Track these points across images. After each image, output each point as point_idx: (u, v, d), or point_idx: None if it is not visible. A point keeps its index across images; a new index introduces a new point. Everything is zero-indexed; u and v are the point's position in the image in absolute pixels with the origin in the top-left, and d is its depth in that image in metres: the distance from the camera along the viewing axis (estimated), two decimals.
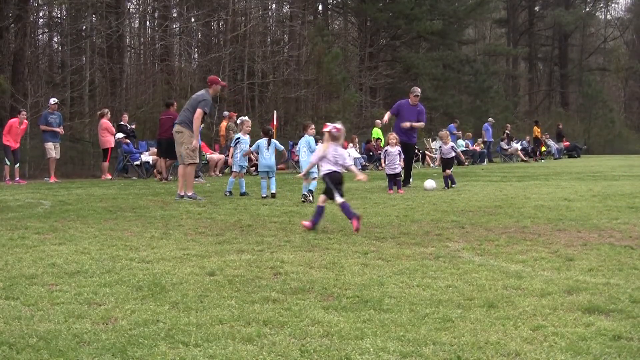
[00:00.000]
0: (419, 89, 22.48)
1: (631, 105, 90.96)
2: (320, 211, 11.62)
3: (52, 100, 26.66)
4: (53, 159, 26.20)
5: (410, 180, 21.88)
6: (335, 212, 13.81)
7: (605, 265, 8.12)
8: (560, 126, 56.33)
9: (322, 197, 11.83)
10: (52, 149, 26.05)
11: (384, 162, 19.49)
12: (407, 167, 21.56)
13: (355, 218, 11.18)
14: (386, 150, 19.47)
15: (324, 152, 11.89)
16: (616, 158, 51.22)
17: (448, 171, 20.58)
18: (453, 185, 20.46)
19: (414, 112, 21.83)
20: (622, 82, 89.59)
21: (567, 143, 55.94)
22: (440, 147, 21.13)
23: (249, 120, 20.18)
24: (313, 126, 18.15)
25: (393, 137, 19.62)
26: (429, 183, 19.77)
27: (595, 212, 13.49)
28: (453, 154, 21.27)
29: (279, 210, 14.34)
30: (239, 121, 22.60)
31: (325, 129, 12.13)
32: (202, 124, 17.45)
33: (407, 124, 21.06)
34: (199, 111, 16.51)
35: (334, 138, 12.01)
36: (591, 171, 30.40)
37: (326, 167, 11.85)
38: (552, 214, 13.35)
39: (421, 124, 22.26)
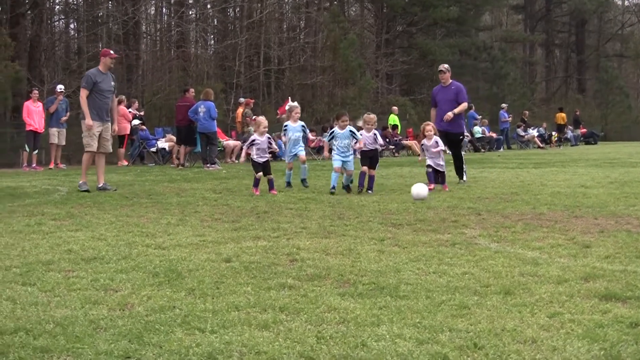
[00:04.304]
0: (446, 65, 18.69)
1: None
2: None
3: (59, 88, 26.61)
4: (54, 145, 26.17)
5: (465, 176, 17.82)
6: (351, 199, 13.81)
7: (622, 252, 8.08)
8: (578, 113, 56.22)
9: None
10: (56, 135, 26.00)
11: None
12: (457, 162, 17.78)
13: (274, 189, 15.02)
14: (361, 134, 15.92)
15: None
16: (633, 145, 50.99)
17: (372, 171, 15.61)
18: (369, 191, 15.29)
19: (449, 93, 17.96)
20: None
21: (584, 130, 55.78)
22: (361, 133, 15.72)
23: (298, 107, 18.18)
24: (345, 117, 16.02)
25: (371, 120, 16.03)
26: (420, 189, 13.67)
27: (612, 199, 13.43)
28: (377, 146, 16.05)
29: (295, 197, 14.32)
30: (287, 107, 20.22)
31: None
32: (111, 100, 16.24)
33: (449, 115, 18.09)
34: (81, 92, 16.02)
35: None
36: (608, 158, 30.30)
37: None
38: (568, 200, 13.30)
39: (462, 107, 18.04)
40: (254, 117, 23.63)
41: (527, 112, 52.25)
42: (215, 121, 25.30)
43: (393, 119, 39.04)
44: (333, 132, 15.81)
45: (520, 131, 47.17)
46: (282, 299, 6.08)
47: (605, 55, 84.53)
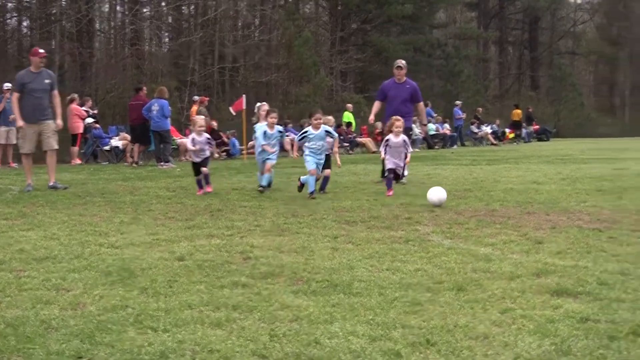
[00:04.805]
0: (403, 61, 18.37)
1: (600, 89, 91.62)
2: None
3: (6, 86, 26.24)
4: (2, 146, 25.77)
5: (405, 176, 15.84)
6: (306, 196, 13.80)
7: (574, 248, 8.16)
8: (530, 109, 56.49)
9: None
10: (4, 135, 25.57)
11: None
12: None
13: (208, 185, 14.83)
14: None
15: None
16: (585, 141, 51.50)
17: (328, 171, 14.96)
18: (322, 191, 14.64)
19: (404, 91, 17.58)
20: (592, 66, 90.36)
21: (537, 126, 56.19)
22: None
23: (265, 104, 16.51)
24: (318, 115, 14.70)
25: (330, 121, 15.44)
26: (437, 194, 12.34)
27: (564, 195, 13.55)
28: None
29: (249, 195, 14.30)
30: (255, 108, 16.74)
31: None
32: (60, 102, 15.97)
33: (426, 129, 16.55)
34: (12, 95, 15.90)
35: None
36: (560, 154, 30.53)
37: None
38: (521, 197, 13.40)
39: (422, 110, 18.54)
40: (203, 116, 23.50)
41: (480, 109, 52.55)
42: (168, 119, 25.21)
43: (347, 117, 39.07)
44: (306, 133, 14.48)
45: (474, 128, 47.41)
46: (235, 297, 6.08)
47: (558, 53, 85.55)
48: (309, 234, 9.40)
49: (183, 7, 48.63)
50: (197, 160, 14.88)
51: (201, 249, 8.24)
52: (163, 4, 47.67)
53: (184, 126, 34.83)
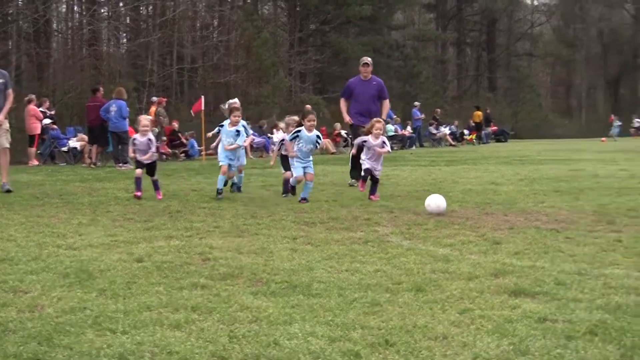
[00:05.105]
0: (369, 58, 18.02)
1: (557, 90, 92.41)
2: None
3: None
4: None
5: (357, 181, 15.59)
6: (265, 197, 13.79)
7: (531, 249, 8.23)
8: (488, 111, 56.80)
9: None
10: None
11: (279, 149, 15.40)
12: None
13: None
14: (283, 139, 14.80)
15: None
16: (543, 142, 51.83)
17: (289, 173, 14.36)
18: (284, 196, 14.33)
19: (370, 88, 17.41)
20: (549, 68, 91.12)
21: (495, 127, 56.52)
22: (282, 140, 14.75)
23: (237, 101, 15.80)
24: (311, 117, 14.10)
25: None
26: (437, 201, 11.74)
27: (521, 196, 13.65)
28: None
29: (208, 196, 14.25)
30: (226, 105, 15.90)
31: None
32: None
33: (383, 123, 15.93)
34: None
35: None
36: (518, 155, 30.73)
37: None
38: (479, 197, 13.48)
39: (388, 108, 18.15)
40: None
41: (439, 110, 52.72)
42: (126, 120, 25.09)
43: None
44: (299, 132, 13.76)
45: (433, 129, 47.59)
46: (194, 298, 6.07)
47: (516, 55, 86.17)
48: (268, 235, 9.40)
49: (141, 8, 48.33)
50: (146, 162, 14.28)
51: (160, 250, 8.21)
52: (121, 4, 47.34)
53: None
